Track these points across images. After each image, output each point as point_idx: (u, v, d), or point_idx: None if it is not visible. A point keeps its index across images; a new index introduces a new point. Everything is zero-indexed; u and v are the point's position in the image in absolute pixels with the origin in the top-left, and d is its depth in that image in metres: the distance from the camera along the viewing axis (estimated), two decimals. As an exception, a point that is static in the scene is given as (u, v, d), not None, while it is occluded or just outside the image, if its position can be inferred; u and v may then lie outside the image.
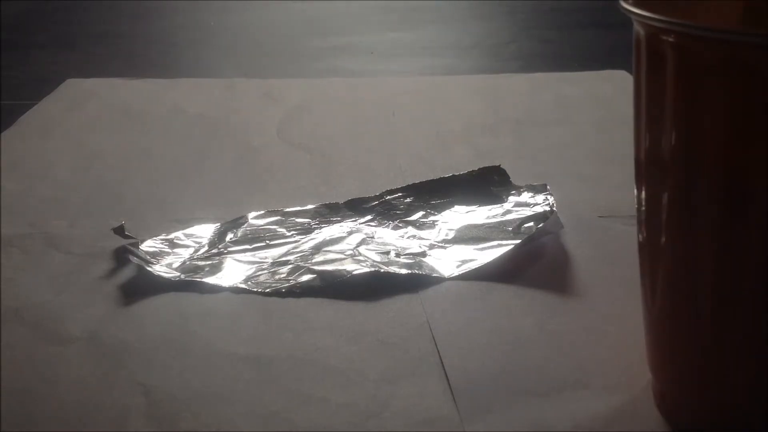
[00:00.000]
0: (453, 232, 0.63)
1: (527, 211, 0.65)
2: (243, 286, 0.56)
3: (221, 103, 0.97)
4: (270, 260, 0.60)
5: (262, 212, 0.66)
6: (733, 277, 0.36)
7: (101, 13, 1.61)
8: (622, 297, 0.53)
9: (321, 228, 0.64)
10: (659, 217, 0.39)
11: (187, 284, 0.56)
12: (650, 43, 0.37)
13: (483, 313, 0.53)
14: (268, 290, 0.56)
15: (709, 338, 0.38)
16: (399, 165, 0.77)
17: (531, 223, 0.63)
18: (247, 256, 0.60)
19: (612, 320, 0.51)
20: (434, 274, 0.57)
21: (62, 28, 1.47)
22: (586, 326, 0.51)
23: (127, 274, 0.58)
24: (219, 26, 1.48)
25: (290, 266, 0.58)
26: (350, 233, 0.63)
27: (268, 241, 0.62)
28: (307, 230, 0.64)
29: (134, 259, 0.58)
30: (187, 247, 0.62)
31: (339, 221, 0.65)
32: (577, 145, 0.82)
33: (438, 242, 0.62)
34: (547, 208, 0.64)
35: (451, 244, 0.61)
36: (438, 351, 0.49)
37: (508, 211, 0.65)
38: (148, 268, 0.57)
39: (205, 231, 0.64)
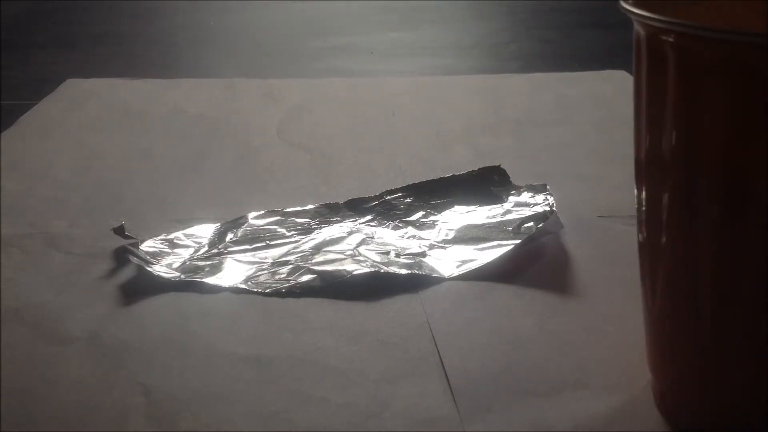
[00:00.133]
0: (453, 232, 0.63)
1: (527, 211, 0.65)
2: (243, 286, 0.56)
3: (221, 103, 0.97)
4: (270, 260, 0.60)
5: (262, 212, 0.66)
6: (733, 277, 0.36)
7: (101, 13, 1.61)
8: (622, 297, 0.53)
9: (321, 228, 0.64)
10: (659, 217, 0.39)
11: (187, 284, 0.56)
12: (650, 43, 0.37)
13: (483, 313, 0.53)
14: (268, 290, 0.56)
15: (709, 338, 0.38)
16: (399, 165, 0.77)
17: (531, 223, 0.63)
18: (247, 257, 0.60)
19: (612, 320, 0.51)
20: (434, 274, 0.57)
21: (62, 28, 1.47)
22: (586, 326, 0.51)
23: (127, 274, 0.58)
24: (219, 26, 1.48)
25: (290, 266, 0.58)
26: (350, 233, 0.63)
27: (268, 241, 0.62)
28: (307, 230, 0.64)
29: (134, 259, 0.58)
30: (187, 247, 0.62)
31: (339, 221, 0.65)
32: (577, 145, 0.82)
33: (438, 242, 0.62)
34: (547, 208, 0.64)
35: (451, 244, 0.61)
36: (438, 351, 0.49)
37: (508, 211, 0.65)
38: (148, 268, 0.57)
39: (205, 231, 0.64)
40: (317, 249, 0.61)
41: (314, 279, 0.57)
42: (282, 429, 0.43)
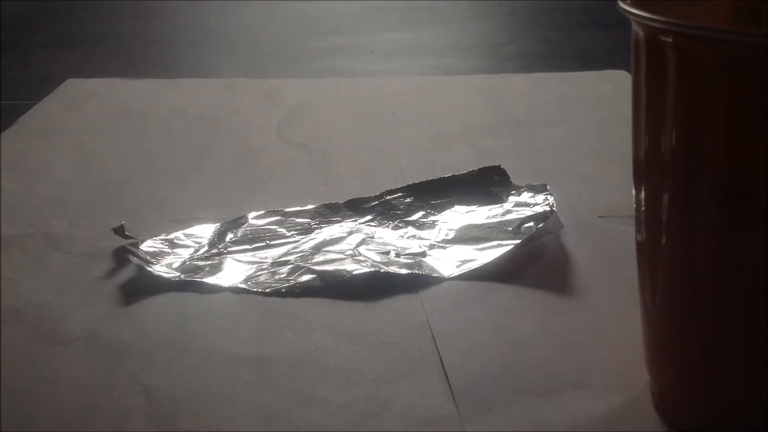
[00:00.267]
0: (453, 232, 0.63)
1: (527, 211, 0.65)
2: (243, 286, 0.56)
3: (221, 103, 0.97)
4: (270, 260, 0.60)
5: (262, 212, 0.66)
6: (733, 277, 0.36)
7: (101, 13, 1.61)
8: (622, 297, 0.53)
9: (321, 228, 0.64)
10: (659, 217, 0.39)
11: (187, 284, 0.56)
12: (649, 43, 0.37)
13: (483, 313, 0.53)
14: (268, 290, 0.56)
15: (710, 338, 0.38)
16: (399, 165, 0.77)
17: (531, 223, 0.63)
18: (247, 256, 0.60)
19: (612, 320, 0.51)
20: (434, 274, 0.57)
21: (62, 28, 1.47)
22: (586, 326, 0.51)
23: (127, 274, 0.58)
24: (219, 26, 1.48)
25: (290, 266, 0.58)
26: (350, 233, 0.63)
27: (268, 241, 0.62)
28: (307, 230, 0.64)
29: (134, 259, 0.58)
30: (187, 247, 0.62)
31: (339, 221, 0.65)
32: (577, 145, 0.82)
33: (438, 242, 0.62)
34: (547, 208, 0.64)
35: (451, 244, 0.61)
36: (438, 351, 0.49)
37: (508, 211, 0.65)
38: (148, 268, 0.57)
39: (205, 231, 0.64)
40: (317, 249, 0.61)
41: (314, 279, 0.57)
42: (282, 429, 0.43)
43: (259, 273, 0.58)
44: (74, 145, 0.84)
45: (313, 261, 0.59)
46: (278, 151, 0.82)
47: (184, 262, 0.59)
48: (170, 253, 0.61)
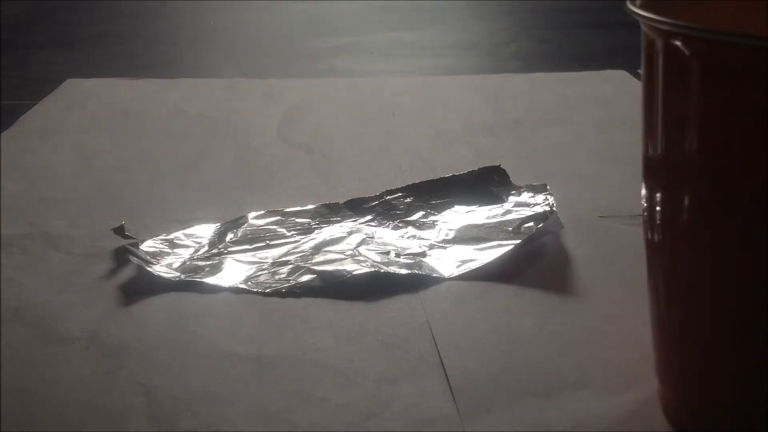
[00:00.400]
0: (453, 232, 0.63)
1: (527, 211, 0.65)
2: (243, 286, 0.56)
3: (221, 103, 0.97)
4: (270, 260, 0.60)
5: (262, 212, 0.66)
6: (734, 277, 0.36)
7: (101, 13, 1.61)
8: (622, 297, 0.53)
9: (321, 228, 0.64)
10: (679, 219, 0.38)
11: (187, 284, 0.56)
12: (667, 47, 0.36)
13: (483, 313, 0.53)
14: (268, 290, 0.56)
15: (710, 338, 0.38)
16: (399, 165, 0.77)
17: (531, 223, 0.63)
18: (247, 256, 0.60)
19: (612, 320, 0.51)
20: (434, 274, 0.57)
21: (62, 28, 1.47)
22: (586, 326, 0.51)
23: (127, 274, 0.58)
24: (219, 26, 1.48)
25: (290, 266, 0.58)
26: (350, 233, 0.63)
27: (268, 241, 0.62)
28: (307, 230, 0.64)
29: (134, 259, 0.58)
30: (187, 247, 0.62)
31: (339, 221, 0.65)
32: (577, 145, 0.82)
33: (438, 242, 0.62)
34: (547, 208, 0.64)
35: (451, 244, 0.61)
36: (438, 351, 0.49)
37: (508, 211, 0.65)
38: (148, 268, 0.57)
39: (205, 231, 0.64)
40: (317, 249, 0.61)
41: (314, 279, 0.57)
42: (282, 429, 0.43)
43: (259, 273, 0.58)
44: (74, 145, 0.84)
45: (313, 261, 0.59)
46: (278, 151, 0.82)
47: (184, 262, 0.59)
48: (170, 253, 0.61)
